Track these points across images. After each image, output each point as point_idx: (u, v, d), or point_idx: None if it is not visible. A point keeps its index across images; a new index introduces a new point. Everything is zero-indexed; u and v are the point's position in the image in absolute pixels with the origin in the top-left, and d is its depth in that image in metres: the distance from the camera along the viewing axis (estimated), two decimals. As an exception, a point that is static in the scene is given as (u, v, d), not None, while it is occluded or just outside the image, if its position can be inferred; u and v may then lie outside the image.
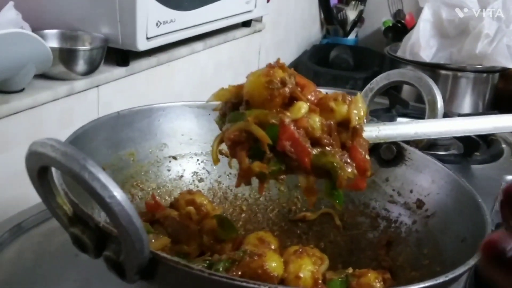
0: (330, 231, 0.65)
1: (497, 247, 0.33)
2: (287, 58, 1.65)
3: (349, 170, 0.49)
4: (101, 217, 0.48)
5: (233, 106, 0.51)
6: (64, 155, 0.36)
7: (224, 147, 0.51)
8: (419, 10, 1.50)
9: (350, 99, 0.51)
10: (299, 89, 0.50)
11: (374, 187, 0.64)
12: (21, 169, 0.39)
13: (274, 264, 0.48)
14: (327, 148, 0.49)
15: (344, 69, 1.60)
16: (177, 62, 1.06)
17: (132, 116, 0.64)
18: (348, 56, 1.65)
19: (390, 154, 0.63)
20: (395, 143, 0.63)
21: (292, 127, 0.47)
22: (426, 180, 0.61)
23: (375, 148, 0.62)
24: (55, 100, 0.81)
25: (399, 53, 1.47)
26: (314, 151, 0.48)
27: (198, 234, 0.57)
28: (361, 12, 1.85)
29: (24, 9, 0.80)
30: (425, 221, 0.59)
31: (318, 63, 1.61)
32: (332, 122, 0.50)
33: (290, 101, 0.49)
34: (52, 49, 0.76)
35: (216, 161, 0.52)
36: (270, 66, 0.50)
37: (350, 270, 0.53)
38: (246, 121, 0.48)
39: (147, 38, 0.90)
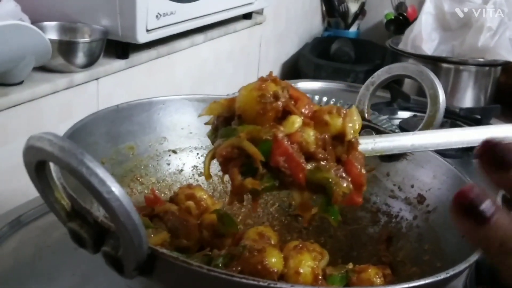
0: (330, 226, 0.65)
1: (469, 198, 0.36)
2: (288, 50, 1.64)
3: (345, 185, 0.47)
4: (99, 212, 0.48)
5: (225, 120, 0.50)
6: (62, 150, 0.35)
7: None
8: (421, 3, 1.50)
9: (344, 111, 0.50)
10: (292, 102, 0.49)
11: (375, 182, 0.64)
12: (20, 162, 0.39)
13: (273, 260, 0.48)
14: (322, 162, 0.47)
15: (345, 62, 1.59)
16: (177, 54, 1.06)
17: (131, 109, 0.63)
18: (349, 49, 1.64)
19: (391, 148, 0.63)
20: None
21: (286, 142, 0.46)
22: (427, 175, 0.61)
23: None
24: (54, 93, 0.81)
25: (401, 46, 1.46)
26: (309, 166, 0.47)
27: (197, 229, 0.57)
28: (362, 4, 1.84)
29: (23, 1, 0.80)
30: (426, 217, 0.59)
31: (319, 56, 1.61)
32: (326, 136, 0.48)
33: (283, 114, 0.48)
34: (52, 41, 0.76)
35: (208, 177, 0.51)
36: (262, 79, 0.49)
37: (350, 266, 0.53)
38: (238, 137, 0.47)
39: (147, 30, 0.90)
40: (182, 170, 0.67)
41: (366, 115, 0.65)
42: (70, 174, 0.36)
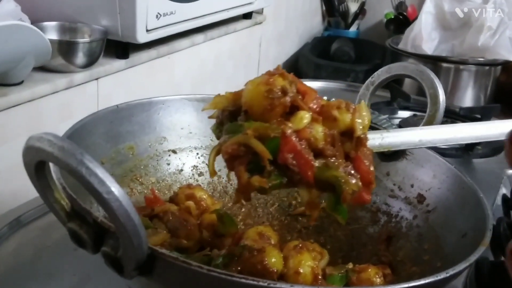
0: (330, 225, 0.65)
1: None
2: (288, 50, 1.64)
3: (353, 182, 0.46)
4: (99, 212, 0.48)
5: (230, 114, 0.49)
6: (61, 150, 0.35)
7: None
8: (421, 2, 1.49)
9: (353, 107, 0.49)
10: (300, 97, 0.48)
11: (375, 182, 0.64)
12: (20, 162, 0.39)
13: (273, 260, 0.48)
14: (331, 159, 0.46)
15: (345, 62, 1.59)
16: (177, 54, 1.05)
17: (131, 109, 0.63)
18: (349, 48, 1.64)
19: (391, 148, 0.63)
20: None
21: (294, 139, 0.45)
22: (427, 174, 0.61)
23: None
24: (54, 93, 0.81)
25: (401, 46, 1.46)
26: (317, 163, 0.46)
27: (197, 229, 0.57)
28: (362, 4, 1.83)
29: (23, 1, 0.80)
30: (426, 216, 0.59)
31: (319, 55, 1.60)
32: (335, 132, 0.47)
33: (291, 109, 0.47)
34: (51, 41, 0.76)
35: (213, 173, 0.49)
36: (269, 73, 0.48)
37: (350, 265, 0.53)
38: (245, 134, 0.45)
39: (147, 30, 0.89)
40: (182, 170, 0.67)
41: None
42: (69, 174, 0.36)
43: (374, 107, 1.18)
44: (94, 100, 0.89)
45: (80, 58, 0.82)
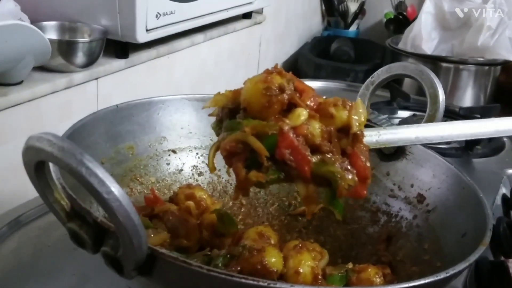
0: (330, 225, 0.65)
1: None
2: (288, 50, 1.64)
3: (350, 177, 0.47)
4: (99, 212, 0.48)
5: (230, 112, 0.50)
6: (61, 150, 0.35)
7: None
8: (421, 2, 1.49)
9: (350, 104, 0.50)
10: (298, 94, 0.49)
11: (375, 181, 0.64)
12: (20, 162, 0.39)
13: (273, 260, 0.48)
14: (327, 155, 0.48)
15: (345, 62, 1.59)
16: (177, 54, 1.05)
17: (130, 109, 0.63)
18: (349, 48, 1.64)
19: (391, 148, 0.63)
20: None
21: (292, 135, 0.46)
22: (427, 174, 0.61)
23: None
24: (54, 93, 0.81)
25: (401, 46, 1.46)
26: (314, 159, 0.47)
27: (197, 229, 0.57)
28: (362, 3, 1.83)
29: (23, 1, 0.80)
30: (426, 216, 0.59)
31: (319, 55, 1.60)
32: (332, 129, 0.49)
33: (288, 107, 0.48)
34: (51, 41, 0.76)
35: (212, 169, 0.51)
36: (267, 72, 0.49)
37: (350, 265, 0.53)
38: (243, 131, 0.47)
39: (147, 30, 0.89)
40: (181, 170, 0.67)
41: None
42: (69, 174, 0.36)
43: (374, 107, 1.18)
44: (93, 100, 0.89)
45: (80, 58, 0.82)
